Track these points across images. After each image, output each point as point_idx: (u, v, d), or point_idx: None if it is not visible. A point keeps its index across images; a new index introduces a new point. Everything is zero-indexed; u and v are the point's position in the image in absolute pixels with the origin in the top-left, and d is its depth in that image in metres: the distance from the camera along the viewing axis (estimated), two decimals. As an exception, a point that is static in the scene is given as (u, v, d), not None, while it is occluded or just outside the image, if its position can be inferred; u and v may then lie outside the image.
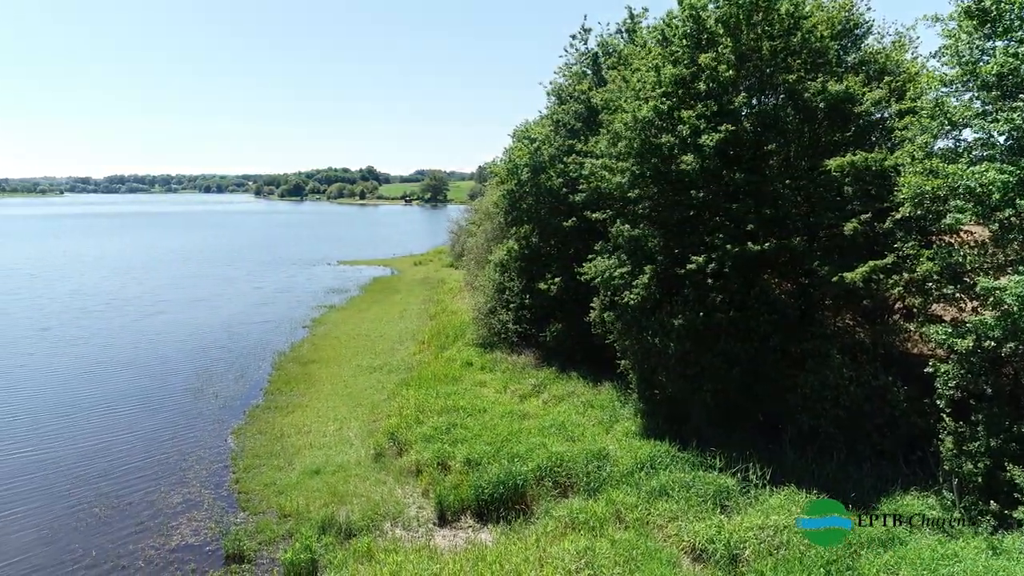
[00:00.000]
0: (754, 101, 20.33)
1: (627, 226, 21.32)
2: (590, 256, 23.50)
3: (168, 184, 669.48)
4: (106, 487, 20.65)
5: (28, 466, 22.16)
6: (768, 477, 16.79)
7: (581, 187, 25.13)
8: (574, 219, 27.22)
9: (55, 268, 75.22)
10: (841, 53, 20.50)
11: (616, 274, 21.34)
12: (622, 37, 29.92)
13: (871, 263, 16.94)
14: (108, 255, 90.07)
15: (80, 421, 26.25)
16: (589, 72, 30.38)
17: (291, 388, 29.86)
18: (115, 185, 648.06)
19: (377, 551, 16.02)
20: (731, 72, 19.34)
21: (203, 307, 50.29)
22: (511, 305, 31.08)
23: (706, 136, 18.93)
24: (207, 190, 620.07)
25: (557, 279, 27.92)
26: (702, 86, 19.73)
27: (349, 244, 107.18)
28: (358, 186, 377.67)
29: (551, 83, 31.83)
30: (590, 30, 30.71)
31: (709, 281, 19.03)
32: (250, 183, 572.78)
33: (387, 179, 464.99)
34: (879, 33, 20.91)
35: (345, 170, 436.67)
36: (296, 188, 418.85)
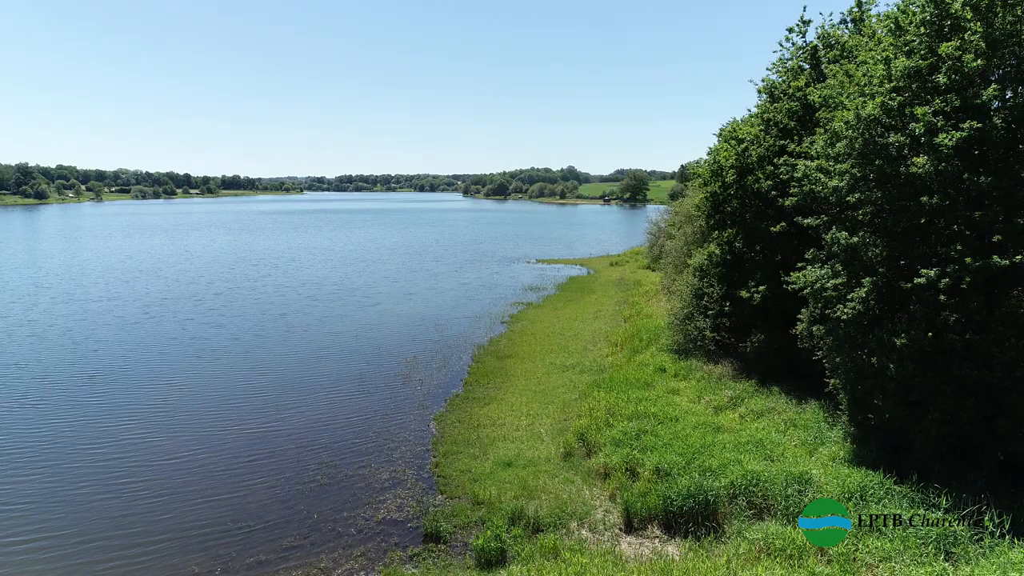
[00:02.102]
0: (1008, 94, 17.69)
1: (844, 233, 19.60)
2: (799, 264, 21.93)
3: (388, 183, 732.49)
4: (327, 458, 23.09)
5: (267, 435, 25.43)
6: (1007, 526, 14.58)
7: (792, 190, 23.50)
8: (783, 224, 25.58)
9: (292, 259, 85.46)
10: None
11: (829, 285, 19.72)
12: (847, 27, 27.51)
13: None
14: (335, 249, 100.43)
15: (308, 398, 29.59)
16: (807, 67, 28.31)
17: (488, 380, 31.28)
18: (344, 184, 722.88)
19: (563, 549, 16.29)
20: (980, 61, 17.00)
21: (414, 300, 54.29)
22: (709, 312, 29.95)
23: (944, 135, 16.82)
24: (421, 189, 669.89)
25: (761, 287, 26.42)
26: (942, 79, 17.55)
27: (547, 243, 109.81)
28: (558, 185, 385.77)
29: (763, 80, 30.09)
30: (809, 22, 28.57)
31: (941, 298, 16.90)
32: (459, 182, 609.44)
33: (587, 179, 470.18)
34: None
35: (547, 170, 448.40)
36: (500, 187, 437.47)
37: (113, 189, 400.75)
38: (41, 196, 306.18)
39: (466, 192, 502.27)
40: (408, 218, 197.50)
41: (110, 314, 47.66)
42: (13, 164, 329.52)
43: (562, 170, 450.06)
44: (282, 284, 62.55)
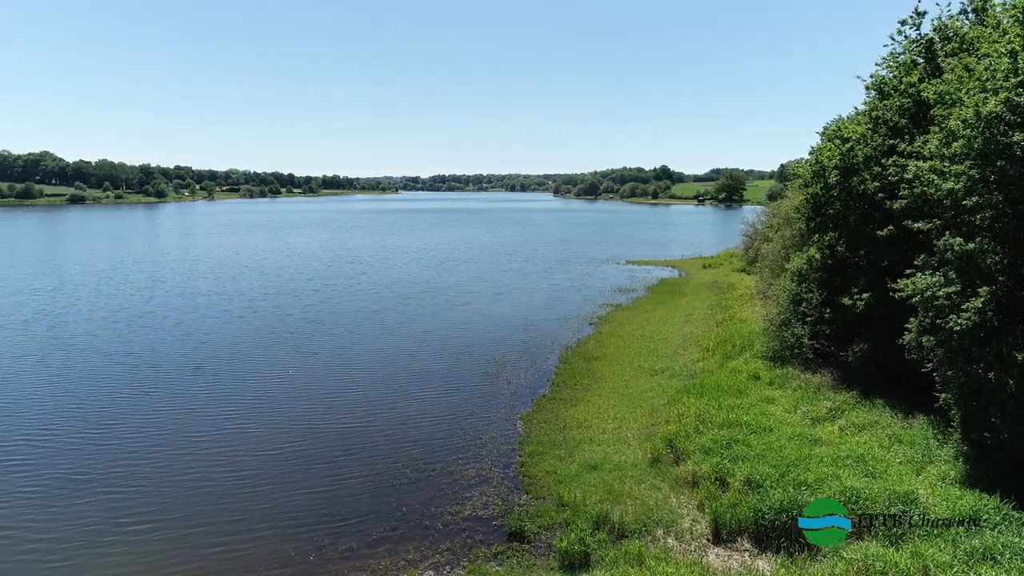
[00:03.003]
0: None
1: (959, 239, 18.34)
2: (908, 271, 20.69)
3: (480, 183, 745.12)
4: (416, 452, 23.66)
5: (360, 429, 26.34)
6: None
7: (902, 192, 22.19)
8: (890, 228, 24.21)
9: (385, 258, 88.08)
10: None
11: (941, 293, 18.50)
12: (967, 18, 25.69)
13: None
14: (427, 248, 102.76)
15: (399, 394, 30.43)
16: (921, 61, 26.63)
17: (575, 382, 31.18)
18: (437, 184, 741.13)
19: (648, 557, 16.04)
20: (1121, 52, 15.53)
21: (504, 300, 54.77)
22: (808, 319, 28.71)
23: (1078, 132, 15.46)
24: (512, 188, 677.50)
25: (865, 294, 25.10)
26: (1076, 71, 16.13)
27: (638, 244, 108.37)
28: (651, 185, 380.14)
29: (871, 76, 28.51)
30: (924, 13, 26.84)
31: (1071, 310, 15.57)
32: (549, 182, 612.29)
33: (680, 178, 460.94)
34: None
35: (639, 169, 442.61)
36: (591, 187, 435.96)
37: (224, 188, 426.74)
38: (161, 195, 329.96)
39: (556, 192, 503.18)
40: (498, 218, 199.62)
41: (217, 308, 50.65)
42: (137, 165, 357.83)
43: (654, 169, 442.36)
44: (376, 282, 64.54)
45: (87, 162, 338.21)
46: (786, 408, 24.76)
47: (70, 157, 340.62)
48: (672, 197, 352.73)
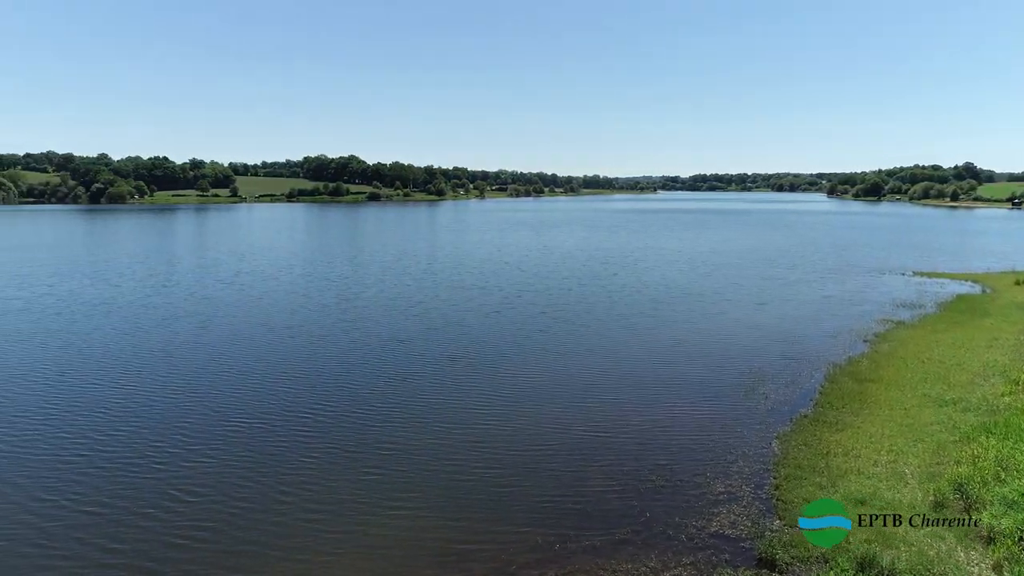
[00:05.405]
0: None
1: None
2: None
3: (743, 182, 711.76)
4: (663, 460, 23.36)
5: (608, 429, 26.67)
6: None
7: None
8: None
9: (639, 259, 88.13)
10: None
11: None
12: None
13: None
14: (683, 250, 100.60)
15: (648, 398, 30.30)
16: None
17: (843, 404, 28.41)
18: (698, 183, 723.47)
19: (924, 615, 14.10)
20: None
21: (765, 311, 51.51)
22: None
23: None
24: (779, 188, 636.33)
25: None
26: None
27: (930, 252, 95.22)
28: (949, 186, 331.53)
29: None
30: None
31: None
32: (823, 182, 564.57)
33: (989, 177, 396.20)
34: None
35: (934, 167, 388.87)
36: (873, 188, 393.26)
37: (493, 187, 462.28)
38: (440, 193, 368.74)
39: (831, 192, 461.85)
40: (762, 219, 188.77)
41: (476, 301, 54.66)
42: (422, 167, 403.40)
43: (956, 167, 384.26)
44: (628, 284, 64.66)
45: (383, 164, 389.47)
46: None
47: (370, 159, 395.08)
48: (977, 199, 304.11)
